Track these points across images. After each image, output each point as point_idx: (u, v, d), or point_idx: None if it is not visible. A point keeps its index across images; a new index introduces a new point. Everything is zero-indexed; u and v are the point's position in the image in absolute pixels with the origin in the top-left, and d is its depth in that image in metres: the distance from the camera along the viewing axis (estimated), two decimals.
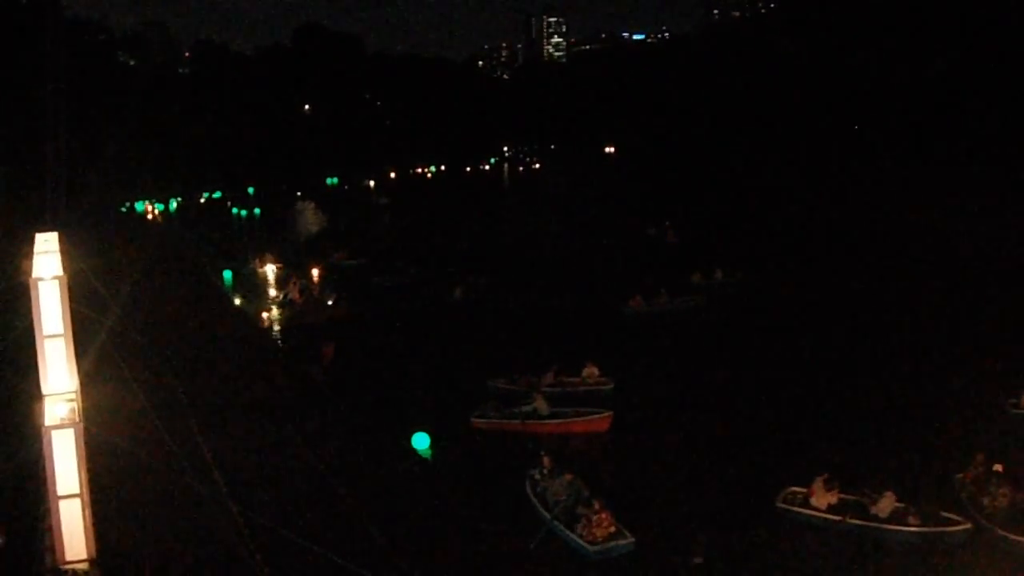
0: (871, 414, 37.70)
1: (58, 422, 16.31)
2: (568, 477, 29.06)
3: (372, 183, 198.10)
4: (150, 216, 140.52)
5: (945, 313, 54.64)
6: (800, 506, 28.65)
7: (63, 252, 17.93)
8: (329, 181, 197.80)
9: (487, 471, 33.51)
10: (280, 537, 20.02)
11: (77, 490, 16.45)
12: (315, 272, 74.53)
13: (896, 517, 27.17)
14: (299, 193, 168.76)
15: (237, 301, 64.37)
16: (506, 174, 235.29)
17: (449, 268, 74.25)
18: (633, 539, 26.09)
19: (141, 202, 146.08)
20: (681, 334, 53.89)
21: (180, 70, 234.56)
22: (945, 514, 27.03)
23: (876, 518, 27.36)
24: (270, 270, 76.47)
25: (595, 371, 43.05)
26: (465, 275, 69.00)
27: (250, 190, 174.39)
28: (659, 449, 35.12)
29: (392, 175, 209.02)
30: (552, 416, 37.77)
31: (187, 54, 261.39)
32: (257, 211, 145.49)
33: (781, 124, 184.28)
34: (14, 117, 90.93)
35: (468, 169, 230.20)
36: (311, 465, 26.50)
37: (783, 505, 28.95)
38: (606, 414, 37.62)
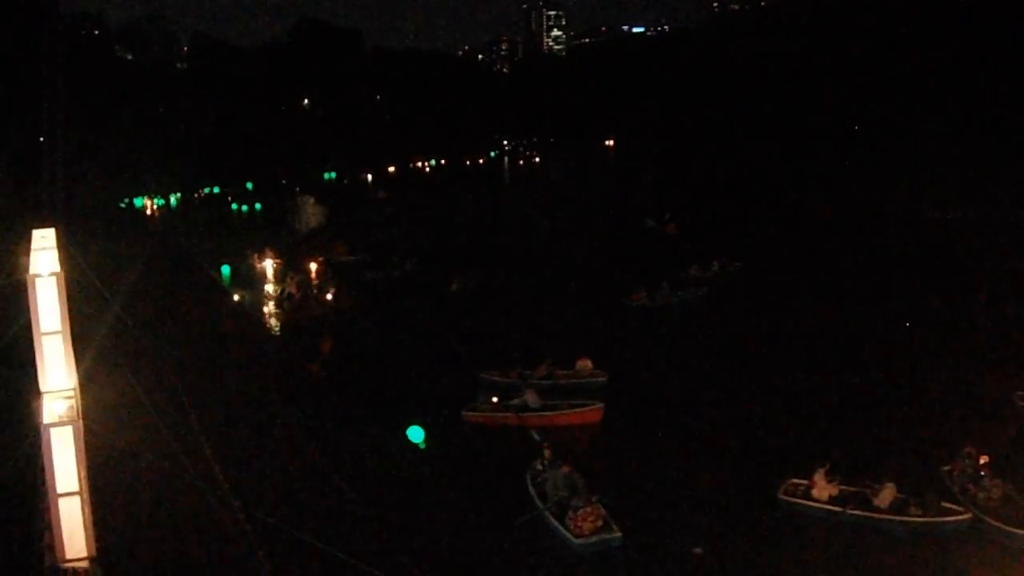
0: (873, 405, 37.69)
1: (57, 419, 16.22)
2: (565, 469, 29.13)
3: (369, 177, 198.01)
4: (149, 212, 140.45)
5: (949, 303, 54.61)
6: (801, 497, 28.65)
7: (61, 248, 17.84)
8: (326, 176, 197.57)
9: (483, 463, 33.53)
10: (281, 532, 19.97)
11: (76, 488, 16.36)
12: (313, 267, 74.47)
13: (897, 508, 27.18)
14: (297, 188, 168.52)
15: (236, 297, 64.34)
16: (506, 168, 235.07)
17: (446, 262, 74.23)
18: (620, 534, 26.14)
19: (140, 198, 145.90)
20: (682, 327, 53.90)
21: (178, 65, 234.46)
22: (946, 504, 27.06)
23: (877, 509, 27.36)
24: (269, 265, 76.41)
25: (588, 364, 43.09)
26: (462, 269, 69.00)
27: (248, 185, 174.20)
28: (658, 442, 35.12)
29: (391, 169, 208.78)
30: (543, 408, 37.87)
31: (185, 49, 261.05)
32: (258, 206, 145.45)
33: (780, 116, 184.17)
34: (11, 112, 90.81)
35: (467, 163, 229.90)
36: (312, 460, 26.46)
37: (784, 497, 28.94)
38: (597, 406, 37.76)
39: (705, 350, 48.18)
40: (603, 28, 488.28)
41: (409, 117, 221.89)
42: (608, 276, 67.15)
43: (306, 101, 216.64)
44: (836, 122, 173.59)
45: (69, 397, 16.69)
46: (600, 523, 26.48)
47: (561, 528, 26.69)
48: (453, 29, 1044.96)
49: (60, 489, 16.31)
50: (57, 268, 16.71)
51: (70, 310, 16.75)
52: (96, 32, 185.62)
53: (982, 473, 28.10)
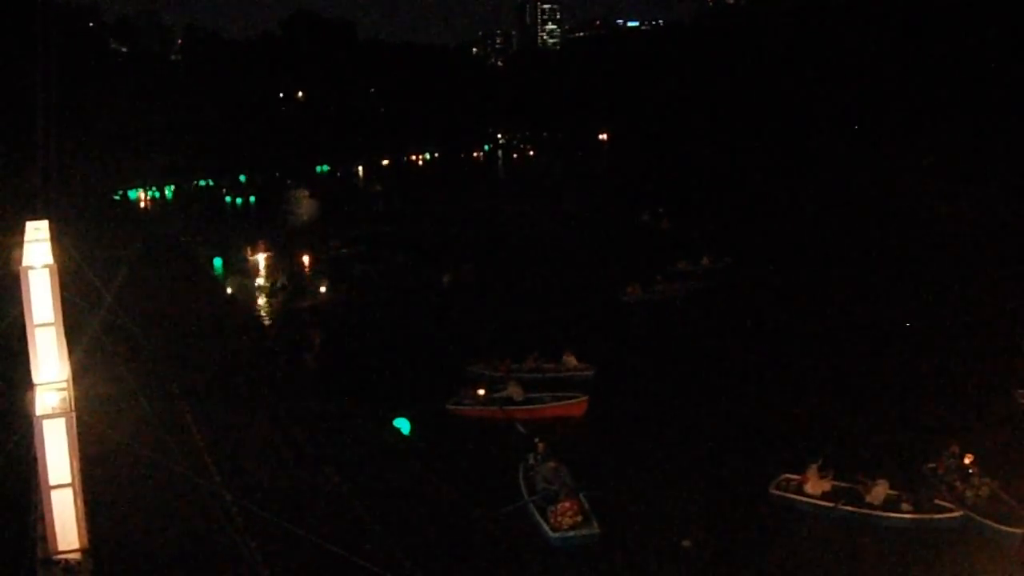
0: (866, 401, 37.74)
1: (50, 411, 16.24)
2: (552, 464, 29.31)
3: (360, 170, 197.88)
4: (143, 204, 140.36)
5: (945, 298, 54.70)
6: (794, 492, 28.69)
7: (54, 240, 17.83)
8: (319, 169, 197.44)
9: (469, 455, 33.64)
10: (272, 523, 19.99)
11: (69, 480, 16.38)
12: (305, 260, 74.58)
13: (889, 504, 27.23)
14: (289, 181, 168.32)
15: (229, 289, 64.37)
16: (500, 161, 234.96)
17: (438, 255, 74.31)
18: (598, 530, 26.23)
19: (134, 190, 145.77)
20: (674, 321, 53.95)
21: (172, 57, 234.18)
22: (939, 502, 27.12)
23: (869, 505, 27.41)
24: (261, 258, 76.48)
25: (573, 359, 43.20)
26: (454, 262, 69.10)
27: (241, 178, 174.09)
28: (646, 436, 35.17)
29: (385, 162, 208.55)
30: (527, 401, 38.03)
31: (179, 41, 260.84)
32: (252, 199, 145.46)
33: (774, 111, 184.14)
34: (5, 104, 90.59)
35: (462, 156, 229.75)
36: (304, 452, 26.48)
37: (776, 491, 28.99)
38: (581, 399, 37.90)
39: (697, 344, 48.22)
40: (598, 22, 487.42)
41: (403, 110, 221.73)
42: (601, 270, 67.19)
43: (300, 94, 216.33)
44: (831, 116, 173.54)
45: (62, 389, 16.69)
46: (579, 518, 26.58)
47: (541, 521, 26.84)
48: (448, 22, 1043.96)
49: (53, 481, 16.32)
50: (50, 260, 16.71)
51: (63, 302, 16.75)
52: (90, 24, 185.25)
53: (970, 471, 28.17)
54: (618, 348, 47.34)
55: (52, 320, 16.49)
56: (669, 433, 35.18)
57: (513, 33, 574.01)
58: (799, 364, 43.16)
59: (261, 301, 62.39)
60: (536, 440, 31.26)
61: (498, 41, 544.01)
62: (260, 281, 68.40)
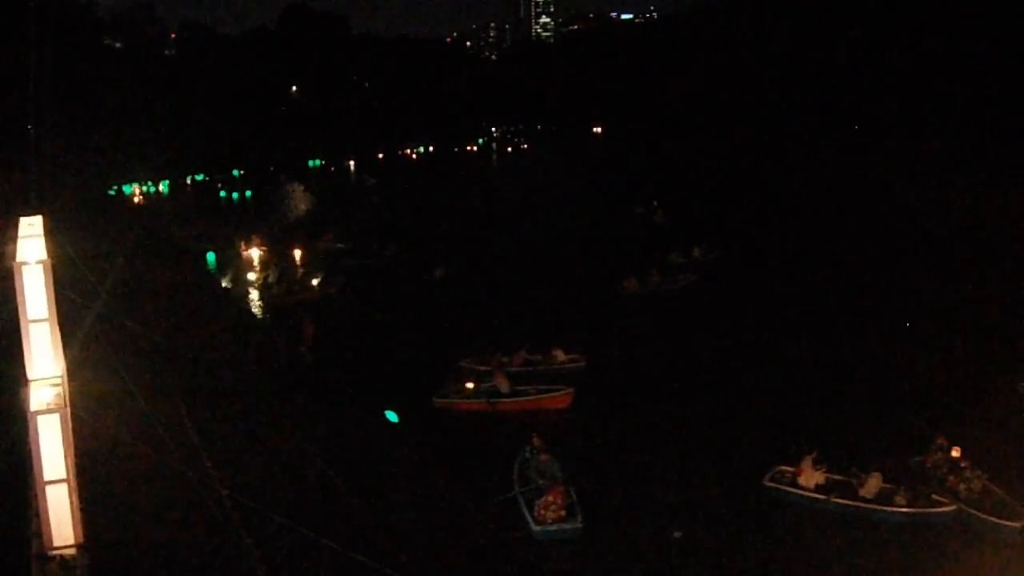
0: (862, 394, 37.82)
1: (44, 407, 16.20)
2: (544, 457, 29.48)
3: (352, 164, 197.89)
4: (137, 199, 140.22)
5: (943, 290, 54.83)
6: (788, 485, 28.74)
7: (48, 236, 17.82)
8: (311, 163, 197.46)
9: (466, 448, 33.77)
10: (268, 519, 20.00)
11: (64, 475, 16.35)
12: (298, 254, 74.68)
13: (883, 498, 27.27)
14: (281, 177, 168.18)
15: (224, 284, 64.43)
16: (494, 155, 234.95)
17: (430, 249, 74.47)
18: (580, 525, 26.37)
19: (129, 185, 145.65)
20: (669, 313, 54.01)
21: (166, 52, 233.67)
22: (935, 496, 27.16)
23: (863, 499, 27.45)
24: (255, 252, 76.51)
25: (561, 352, 43.40)
26: (446, 256, 69.25)
27: (235, 172, 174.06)
28: (638, 428, 35.28)
29: (380, 156, 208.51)
30: (513, 394, 38.21)
31: (173, 36, 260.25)
32: (248, 193, 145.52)
33: (768, 104, 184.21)
34: None
35: (455, 149, 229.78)
36: (299, 446, 26.50)
37: (770, 483, 29.04)
38: (567, 391, 38.12)
39: (690, 337, 48.33)
40: (592, 15, 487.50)
41: (396, 104, 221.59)
42: (595, 263, 67.31)
43: (293, 88, 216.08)
44: (825, 109, 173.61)
45: (56, 385, 16.67)
46: (562, 512, 26.71)
47: (527, 513, 27.00)
48: (441, 15, 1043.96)
49: (47, 477, 16.30)
50: (44, 255, 16.68)
51: (57, 298, 16.74)
52: (84, 19, 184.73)
53: (962, 464, 28.23)
54: (611, 341, 47.52)
55: (46, 316, 16.46)
56: (662, 425, 35.32)
57: (507, 26, 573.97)
58: (793, 356, 43.28)
59: (253, 295, 62.44)
60: (532, 433, 31.39)
61: (492, 34, 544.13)
62: (251, 276, 68.43)
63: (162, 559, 19.06)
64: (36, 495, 16.90)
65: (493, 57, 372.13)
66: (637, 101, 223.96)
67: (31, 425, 16.14)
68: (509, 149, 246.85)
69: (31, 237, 17.31)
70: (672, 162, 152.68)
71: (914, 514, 26.64)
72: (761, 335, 47.47)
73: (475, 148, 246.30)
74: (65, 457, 16.35)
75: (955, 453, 28.83)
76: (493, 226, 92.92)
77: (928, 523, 26.41)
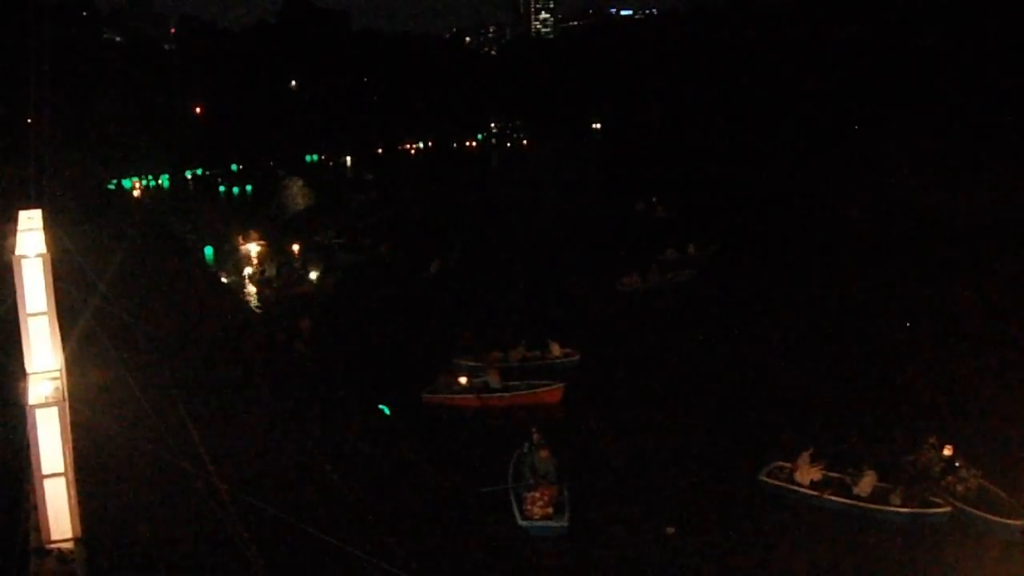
0: (861, 392, 37.87)
1: (42, 400, 16.21)
2: (543, 453, 29.57)
3: (348, 160, 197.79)
4: (136, 193, 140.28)
5: (941, 287, 54.87)
6: (784, 481, 28.77)
7: (47, 229, 17.81)
8: (309, 158, 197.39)
9: (464, 443, 33.89)
10: (266, 513, 19.99)
11: (62, 469, 16.36)
12: (295, 249, 74.86)
13: (878, 497, 27.28)
14: (279, 172, 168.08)
15: (223, 278, 64.48)
16: (493, 150, 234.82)
17: (427, 244, 74.60)
18: (566, 524, 26.45)
19: (129, 179, 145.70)
20: (668, 309, 54.07)
21: (166, 46, 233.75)
22: (931, 497, 27.15)
23: (857, 497, 27.47)
24: (253, 247, 76.64)
25: (557, 346, 43.55)
26: (442, 251, 69.35)
27: (233, 167, 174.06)
28: (635, 423, 35.38)
29: (379, 151, 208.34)
30: (504, 389, 38.39)
31: (173, 30, 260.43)
32: (249, 188, 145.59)
33: (768, 100, 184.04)
34: None
35: (455, 145, 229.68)
36: (297, 442, 26.48)
37: (766, 479, 29.06)
38: (558, 386, 38.30)
39: (688, 332, 48.42)
40: (591, 11, 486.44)
41: (396, 99, 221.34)
42: (596, 259, 67.36)
43: (293, 83, 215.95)
44: (825, 106, 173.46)
45: (55, 378, 16.68)
46: (549, 509, 26.81)
47: (516, 507, 27.10)
48: (441, 11, 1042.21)
49: (45, 470, 16.31)
50: (43, 249, 16.68)
51: (56, 291, 16.74)
52: (84, 13, 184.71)
53: (957, 463, 28.25)
54: (609, 336, 47.62)
55: (45, 309, 16.47)
56: (656, 420, 35.44)
57: (506, 22, 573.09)
58: (791, 353, 43.32)
59: (251, 290, 62.52)
60: (532, 428, 31.47)
61: (491, 30, 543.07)
62: (249, 270, 68.55)
63: (159, 553, 19.05)
64: (34, 488, 16.91)
65: (493, 53, 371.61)
66: (637, 97, 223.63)
67: (29, 418, 16.14)
68: (508, 145, 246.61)
69: (30, 231, 17.32)
70: (672, 158, 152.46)
71: (909, 514, 26.65)
72: (758, 331, 47.53)
73: (474, 144, 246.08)
74: (63, 451, 16.35)
75: (947, 452, 28.87)
76: (492, 222, 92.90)
77: (924, 524, 26.40)
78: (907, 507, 26.74)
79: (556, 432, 32.79)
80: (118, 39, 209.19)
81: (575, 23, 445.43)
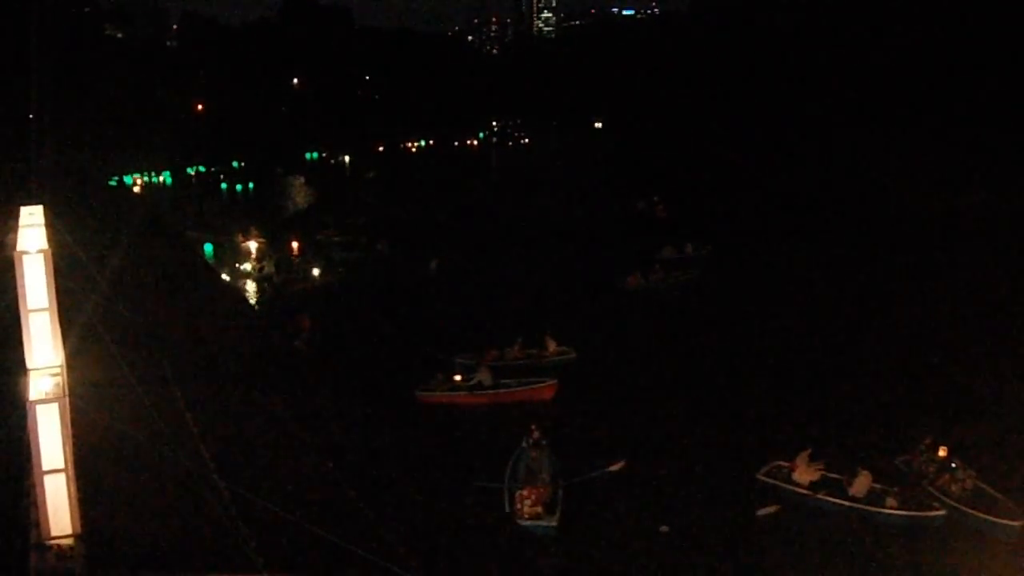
0: (855, 391, 37.92)
1: (43, 396, 16.22)
2: (534, 454, 29.65)
3: (348, 158, 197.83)
4: (138, 189, 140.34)
5: (941, 287, 54.93)
6: (782, 480, 28.79)
7: (49, 225, 17.82)
8: (309, 156, 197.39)
9: (464, 441, 33.97)
10: (266, 511, 20.01)
11: (62, 465, 16.37)
12: (295, 246, 75.01)
13: (873, 498, 27.28)
14: (279, 170, 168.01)
15: (224, 276, 64.58)
16: (494, 149, 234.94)
17: (425, 242, 74.74)
18: (555, 524, 26.48)
19: (130, 176, 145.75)
20: (667, 308, 54.13)
21: (168, 43, 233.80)
22: (927, 500, 27.16)
23: (853, 498, 27.47)
24: (252, 244, 76.81)
25: (553, 343, 43.72)
26: (441, 249, 69.45)
27: (234, 164, 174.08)
28: (631, 421, 35.45)
29: (380, 149, 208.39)
30: (496, 386, 38.54)
31: (175, 27, 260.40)
32: (251, 185, 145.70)
33: (770, 100, 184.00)
34: None
35: (456, 144, 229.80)
36: (298, 438, 26.49)
37: (764, 478, 29.07)
38: (550, 383, 38.48)
39: (686, 332, 48.51)
40: (593, 10, 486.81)
41: (398, 97, 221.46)
42: (597, 258, 67.42)
43: (295, 80, 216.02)
44: (827, 106, 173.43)
45: (55, 374, 16.69)
46: (538, 508, 26.86)
47: (507, 505, 27.17)
48: (443, 9, 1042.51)
49: (45, 466, 16.32)
50: (45, 245, 16.70)
51: (57, 287, 16.75)
52: (86, 9, 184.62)
53: (953, 464, 28.27)
54: (608, 334, 47.70)
55: (46, 305, 16.48)
56: (653, 418, 35.47)
57: (508, 21, 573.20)
58: (790, 352, 43.40)
59: (250, 287, 62.62)
60: (532, 426, 31.54)
61: (493, 29, 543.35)
62: (248, 267, 68.69)
63: (159, 549, 19.07)
64: (34, 485, 16.92)
65: (495, 51, 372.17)
66: (638, 96, 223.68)
67: (30, 414, 16.15)
68: (510, 144, 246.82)
69: (32, 226, 17.33)
70: (673, 157, 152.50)
71: (905, 517, 26.63)
72: (758, 331, 47.57)
73: (475, 142, 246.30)
74: (63, 447, 16.36)
75: (942, 453, 28.89)
76: (492, 220, 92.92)
77: (918, 526, 26.39)
78: (903, 510, 26.74)
79: (549, 429, 32.83)
80: (120, 35, 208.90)
81: (577, 22, 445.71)
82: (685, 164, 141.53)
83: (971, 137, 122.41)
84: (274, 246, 75.17)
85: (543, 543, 25.96)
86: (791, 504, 28.05)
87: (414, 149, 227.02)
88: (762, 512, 27.65)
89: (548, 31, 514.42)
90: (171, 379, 29.74)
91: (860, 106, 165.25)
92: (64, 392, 16.53)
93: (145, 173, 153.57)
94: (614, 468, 27.45)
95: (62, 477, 16.52)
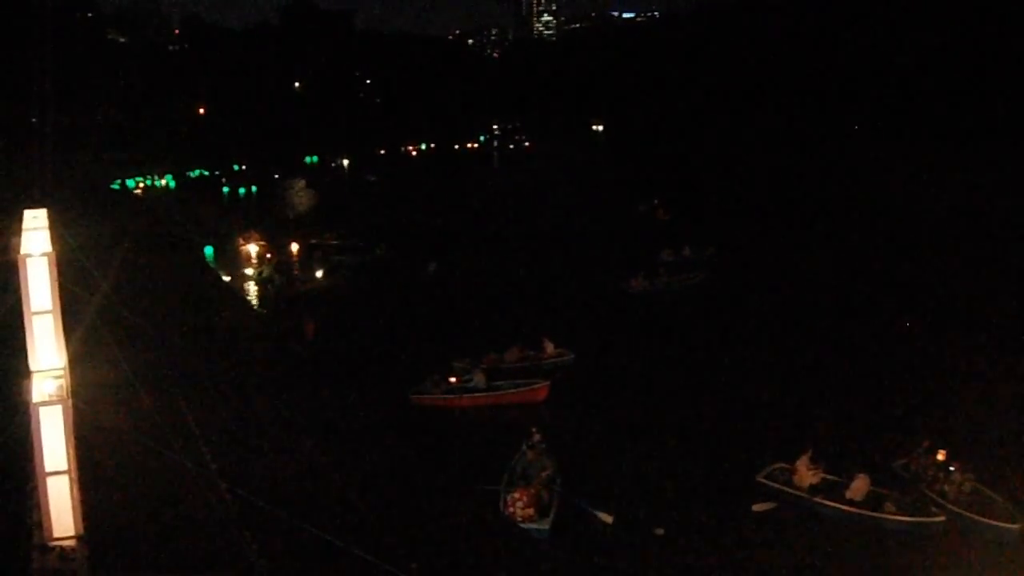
0: (854, 395, 37.93)
1: (46, 399, 16.33)
2: (530, 456, 29.72)
3: (346, 162, 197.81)
4: (140, 193, 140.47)
5: (942, 290, 55.00)
6: (782, 483, 28.80)
7: (52, 228, 17.93)
8: (308, 159, 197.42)
9: (466, 443, 34.09)
10: (268, 512, 20.10)
11: (65, 467, 16.49)
12: (294, 249, 75.22)
13: (871, 502, 27.29)
14: (276, 176, 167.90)
15: (224, 277, 64.70)
16: (495, 152, 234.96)
17: (425, 246, 74.85)
18: (547, 527, 26.47)
19: (132, 179, 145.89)
20: (669, 311, 54.18)
21: (170, 47, 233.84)
22: (926, 504, 27.16)
23: (851, 501, 27.46)
24: (253, 248, 76.97)
25: (551, 345, 43.81)
26: (439, 253, 69.59)
27: (235, 167, 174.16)
28: (630, 423, 35.50)
29: (382, 152, 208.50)
30: (489, 389, 38.63)
31: (176, 31, 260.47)
32: (255, 189, 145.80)
33: (770, 103, 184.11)
34: (3, 94, 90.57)
35: (457, 147, 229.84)
36: (299, 441, 26.58)
37: (764, 480, 29.09)
38: (543, 384, 38.51)
39: (690, 334, 48.50)
40: (593, 14, 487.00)
41: (399, 101, 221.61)
42: (598, 261, 67.48)
43: (296, 84, 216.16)
44: (828, 108, 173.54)
45: (58, 376, 16.80)
46: (530, 511, 26.86)
47: (501, 507, 27.22)
48: (444, 13, 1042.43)
49: (49, 468, 16.44)
50: (48, 248, 16.82)
51: (60, 290, 16.86)
52: (88, 14, 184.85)
53: (951, 467, 28.29)
54: (609, 336, 47.77)
55: (50, 308, 16.60)
56: (651, 420, 35.50)
57: (509, 25, 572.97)
58: (790, 355, 43.40)
59: (251, 290, 62.75)
60: (532, 429, 31.61)
61: (494, 32, 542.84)
62: (248, 271, 68.85)
63: (160, 551, 19.15)
64: (37, 486, 17.03)
65: (495, 55, 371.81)
66: (639, 99, 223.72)
67: (33, 416, 16.28)
68: (511, 147, 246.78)
69: (35, 230, 17.44)
70: (674, 160, 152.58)
71: (903, 522, 26.62)
72: (758, 333, 47.63)
73: (476, 146, 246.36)
74: (66, 448, 16.48)
75: (940, 456, 28.91)
76: (492, 223, 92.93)
77: (915, 532, 26.39)
78: (902, 515, 26.72)
79: (546, 431, 32.85)
80: (122, 40, 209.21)
81: (577, 25, 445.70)
82: (686, 166, 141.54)
83: (969, 137, 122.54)
84: (273, 250, 75.24)
85: (537, 546, 25.96)
86: (790, 507, 28.07)
87: (415, 153, 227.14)
88: (758, 508, 27.67)
89: (548, 34, 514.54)
90: (173, 381, 29.85)
91: (861, 109, 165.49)
92: (67, 394, 16.65)
93: (147, 177, 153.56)
94: (604, 518, 27.32)
95: (65, 479, 16.64)
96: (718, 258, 67.39)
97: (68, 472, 16.59)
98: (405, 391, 39.15)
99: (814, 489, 28.29)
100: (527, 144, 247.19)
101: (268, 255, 72.41)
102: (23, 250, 16.71)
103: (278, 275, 64.34)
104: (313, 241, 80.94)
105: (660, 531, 26.55)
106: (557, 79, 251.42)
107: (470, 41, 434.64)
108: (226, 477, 22.32)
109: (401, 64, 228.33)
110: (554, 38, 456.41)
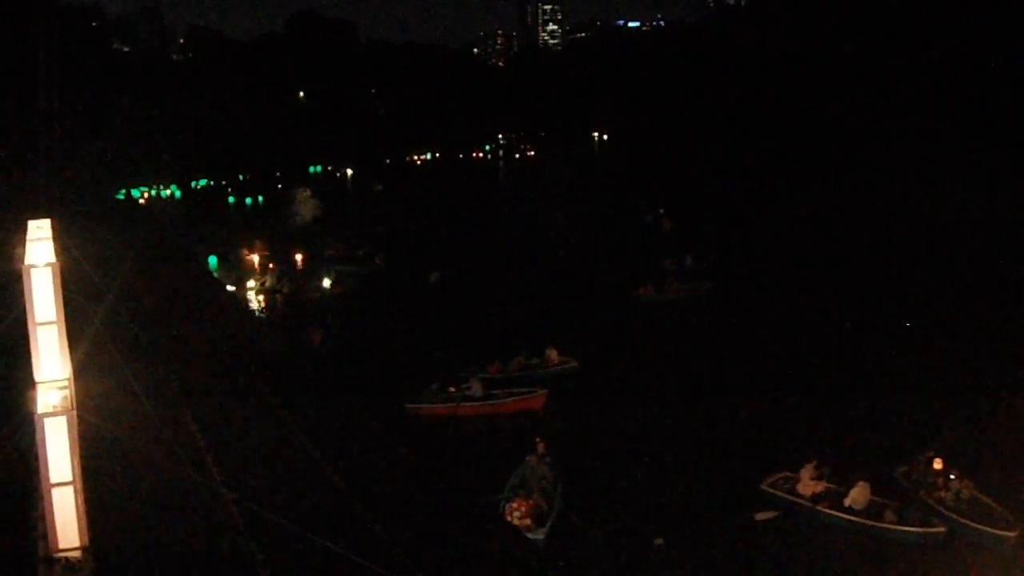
0: (855, 403, 37.95)
1: (51, 410, 16.27)
2: (539, 464, 29.73)
3: (350, 171, 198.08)
4: (142, 202, 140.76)
5: (943, 298, 54.94)
6: (785, 492, 28.80)
7: (56, 239, 17.89)
8: (312, 169, 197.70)
9: (470, 454, 34.03)
10: (275, 524, 20.04)
11: (70, 478, 16.42)
12: (297, 259, 75.42)
13: (872, 511, 27.29)
14: (279, 186, 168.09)
15: (229, 288, 64.78)
16: (501, 161, 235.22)
17: (429, 255, 75.03)
18: (542, 537, 26.45)
19: (137, 189, 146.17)
20: (672, 319, 54.19)
21: (174, 57, 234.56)
22: (926, 515, 27.14)
23: (850, 510, 27.46)
24: (256, 257, 77.22)
25: (555, 353, 43.84)
26: (441, 262, 69.72)
27: (239, 177, 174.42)
28: (632, 431, 35.54)
29: (387, 162, 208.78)
30: (486, 398, 38.70)
31: (181, 41, 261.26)
32: (261, 199, 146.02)
33: (775, 112, 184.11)
34: (7, 103, 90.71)
35: (462, 156, 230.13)
36: (306, 451, 26.53)
37: (768, 489, 29.09)
38: (540, 393, 38.62)
39: (696, 343, 48.54)
40: (598, 23, 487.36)
41: (404, 111, 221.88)
42: (604, 270, 67.55)
43: (301, 94, 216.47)
44: (833, 118, 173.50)
45: (63, 387, 16.73)
46: (527, 521, 26.87)
47: (501, 517, 27.25)
48: (449, 22, 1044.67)
49: (53, 479, 16.38)
50: (53, 259, 16.76)
51: (65, 300, 16.82)
52: (93, 24, 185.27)
53: (951, 476, 28.29)
54: (615, 345, 47.83)
55: (54, 319, 16.54)
56: (654, 428, 35.51)
57: (514, 33, 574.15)
58: (790, 364, 43.51)
59: (255, 300, 62.89)
60: (537, 438, 31.64)
61: (499, 41, 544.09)
62: (251, 282, 69.05)
63: (167, 563, 19.10)
64: (42, 497, 16.97)
65: (500, 64, 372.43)
66: (643, 108, 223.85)
67: (37, 427, 16.22)
68: (516, 156, 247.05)
69: (40, 240, 17.39)
70: (679, 169, 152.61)
71: (903, 532, 26.59)
72: (762, 342, 47.63)
73: (482, 155, 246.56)
74: (71, 459, 16.42)
75: (937, 465, 28.91)
76: (497, 232, 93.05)
77: (919, 543, 26.34)
78: (903, 525, 26.70)
79: (548, 441, 32.80)
80: (126, 49, 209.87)
81: (582, 35, 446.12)
82: (692, 176, 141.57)
83: (970, 147, 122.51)
84: (278, 259, 75.46)
85: (534, 555, 25.90)
86: (792, 516, 28.03)
87: (420, 162, 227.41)
88: (761, 516, 27.64)
89: (554, 43, 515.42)
90: (178, 392, 29.82)
91: (865, 116, 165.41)
92: (72, 405, 16.59)
93: (152, 187, 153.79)
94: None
95: (70, 490, 16.58)
96: (721, 267, 67.44)
97: (73, 483, 16.52)
98: (404, 401, 39.21)
99: (816, 497, 28.27)
100: (532, 153, 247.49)
101: (271, 265, 72.58)
102: (27, 261, 16.66)
103: (283, 284, 64.47)
104: (316, 251, 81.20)
105: (659, 541, 26.52)
106: (562, 88, 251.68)
107: (475, 50, 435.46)
108: (232, 487, 22.28)
109: (405, 74, 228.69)
110: (559, 47, 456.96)
